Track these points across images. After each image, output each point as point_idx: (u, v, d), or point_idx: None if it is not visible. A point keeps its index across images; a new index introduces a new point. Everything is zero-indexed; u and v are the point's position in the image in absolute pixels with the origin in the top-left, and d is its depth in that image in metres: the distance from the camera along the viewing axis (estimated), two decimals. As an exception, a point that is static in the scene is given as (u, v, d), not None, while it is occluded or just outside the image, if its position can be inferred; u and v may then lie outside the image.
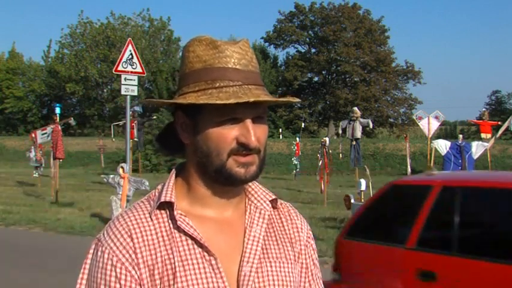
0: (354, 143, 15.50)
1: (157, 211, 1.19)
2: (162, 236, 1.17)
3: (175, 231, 1.17)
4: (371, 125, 16.46)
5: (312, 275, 1.32)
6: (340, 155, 20.42)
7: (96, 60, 42.71)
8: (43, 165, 19.48)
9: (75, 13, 50.20)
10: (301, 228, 1.33)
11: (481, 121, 21.60)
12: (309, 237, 1.35)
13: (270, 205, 1.28)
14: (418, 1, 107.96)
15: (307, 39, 46.79)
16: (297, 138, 24.07)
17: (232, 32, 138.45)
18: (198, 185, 1.22)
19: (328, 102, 45.32)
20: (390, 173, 24.73)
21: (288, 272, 1.24)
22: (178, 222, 1.16)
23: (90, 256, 1.20)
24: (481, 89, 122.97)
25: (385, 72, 43.69)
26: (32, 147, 19.57)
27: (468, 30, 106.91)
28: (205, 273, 1.15)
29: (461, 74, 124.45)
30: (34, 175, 19.77)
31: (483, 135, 20.11)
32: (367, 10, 45.23)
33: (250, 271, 1.18)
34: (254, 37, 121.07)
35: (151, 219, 1.18)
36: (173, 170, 1.27)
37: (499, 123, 20.66)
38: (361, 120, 15.69)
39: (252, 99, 1.12)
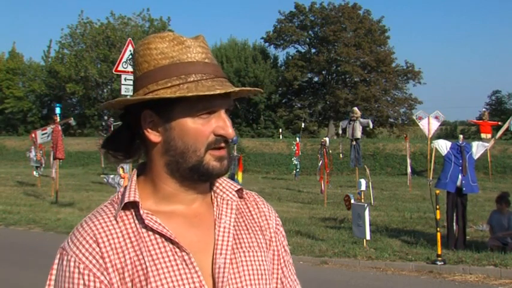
0: (354, 143, 15.51)
1: (123, 212, 1.17)
2: (130, 238, 1.14)
3: (143, 230, 1.14)
4: (371, 125, 16.47)
5: (284, 261, 1.31)
6: (340, 155, 20.42)
7: (96, 60, 42.58)
8: (43, 165, 19.49)
9: (75, 13, 50.05)
10: (269, 216, 1.32)
11: (481, 121, 21.64)
12: (278, 224, 1.34)
13: (236, 195, 1.27)
14: (418, 1, 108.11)
15: (307, 39, 46.74)
16: (297, 139, 24.02)
17: (232, 32, 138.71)
18: (165, 184, 1.20)
19: (328, 102, 45.26)
20: (390, 173, 24.73)
21: (262, 261, 1.23)
22: (146, 221, 1.14)
23: (55, 266, 1.15)
24: (481, 89, 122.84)
25: (385, 72, 43.63)
26: (32, 147, 19.57)
27: (468, 30, 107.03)
28: (179, 269, 1.12)
29: (461, 74, 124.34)
30: (35, 175, 19.77)
31: (483, 135, 20.16)
32: (367, 10, 45.23)
33: (225, 262, 1.17)
34: (254, 37, 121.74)
35: (117, 222, 1.15)
36: (134, 171, 1.25)
37: (499, 123, 20.68)
38: (361, 120, 15.70)
39: (237, 89, 1.15)
